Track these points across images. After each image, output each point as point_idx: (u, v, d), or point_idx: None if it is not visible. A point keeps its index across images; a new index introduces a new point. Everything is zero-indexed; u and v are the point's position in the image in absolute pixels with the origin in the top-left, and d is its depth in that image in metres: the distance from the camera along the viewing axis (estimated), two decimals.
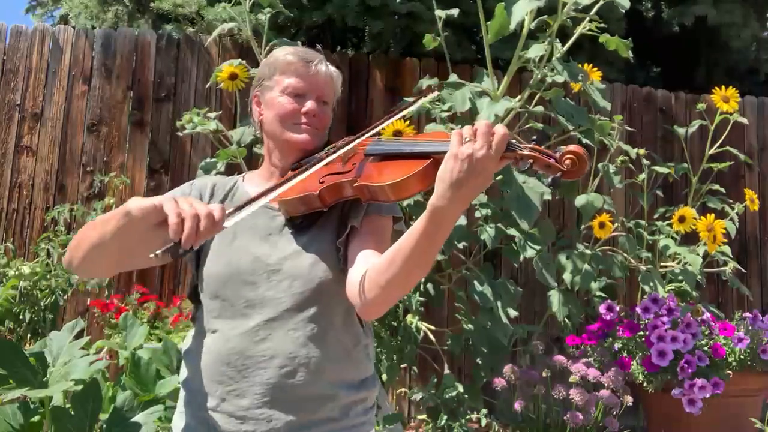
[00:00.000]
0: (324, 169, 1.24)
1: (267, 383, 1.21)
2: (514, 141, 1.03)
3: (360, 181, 1.17)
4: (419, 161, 1.13)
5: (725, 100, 3.14)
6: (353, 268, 1.20)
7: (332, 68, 1.39)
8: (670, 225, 3.13)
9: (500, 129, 1.00)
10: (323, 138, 1.36)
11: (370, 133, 1.28)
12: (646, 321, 2.74)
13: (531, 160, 1.02)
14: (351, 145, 1.26)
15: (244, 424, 1.22)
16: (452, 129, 1.08)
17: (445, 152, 1.03)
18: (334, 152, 1.26)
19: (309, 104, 1.32)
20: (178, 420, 1.32)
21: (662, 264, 3.18)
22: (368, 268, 1.15)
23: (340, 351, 1.26)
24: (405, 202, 2.69)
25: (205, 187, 1.36)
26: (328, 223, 1.29)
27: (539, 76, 2.71)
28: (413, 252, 1.06)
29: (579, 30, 2.74)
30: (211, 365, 1.26)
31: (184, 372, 1.34)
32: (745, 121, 3.35)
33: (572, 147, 1.01)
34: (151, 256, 1.01)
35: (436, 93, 1.36)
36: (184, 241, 1.00)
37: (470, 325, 2.79)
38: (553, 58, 2.67)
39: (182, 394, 1.33)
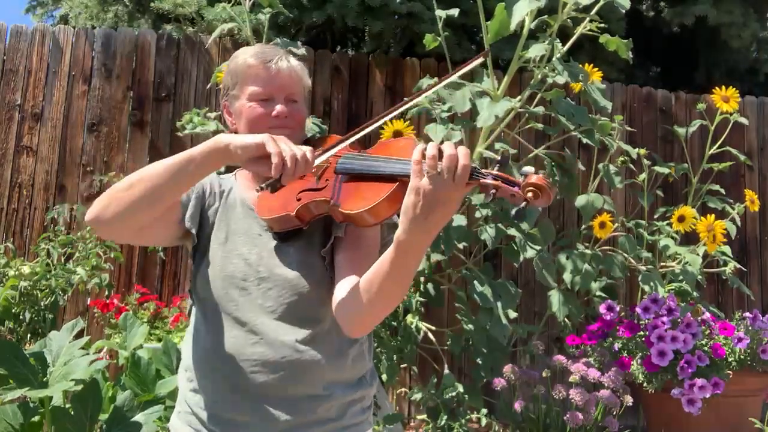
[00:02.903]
0: (299, 184, 1.22)
1: (261, 386, 1.21)
2: (476, 168, 0.99)
3: (337, 206, 1.15)
4: (387, 184, 1.09)
5: (725, 100, 3.14)
6: (337, 292, 1.19)
7: (294, 62, 1.35)
8: (670, 225, 3.13)
9: (462, 159, 0.95)
10: (301, 135, 1.34)
11: (368, 129, 1.24)
12: (646, 321, 2.74)
13: (494, 190, 0.98)
14: (352, 138, 1.23)
15: (240, 426, 1.22)
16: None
17: (410, 175, 0.98)
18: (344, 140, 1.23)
19: (278, 108, 1.29)
20: (176, 420, 1.32)
21: (662, 264, 3.18)
22: (349, 290, 1.15)
23: (334, 351, 1.26)
24: None
25: (207, 181, 1.35)
26: (314, 231, 1.28)
27: (539, 76, 2.71)
28: (387, 278, 1.06)
29: (579, 30, 2.74)
30: (205, 366, 1.26)
31: (181, 371, 1.34)
32: (745, 121, 3.35)
33: (534, 178, 0.97)
34: (256, 189, 1.14)
35: (481, 59, 1.27)
36: (285, 178, 1.09)
37: (470, 325, 2.78)
38: (554, 58, 2.67)
39: (179, 393, 1.33)
